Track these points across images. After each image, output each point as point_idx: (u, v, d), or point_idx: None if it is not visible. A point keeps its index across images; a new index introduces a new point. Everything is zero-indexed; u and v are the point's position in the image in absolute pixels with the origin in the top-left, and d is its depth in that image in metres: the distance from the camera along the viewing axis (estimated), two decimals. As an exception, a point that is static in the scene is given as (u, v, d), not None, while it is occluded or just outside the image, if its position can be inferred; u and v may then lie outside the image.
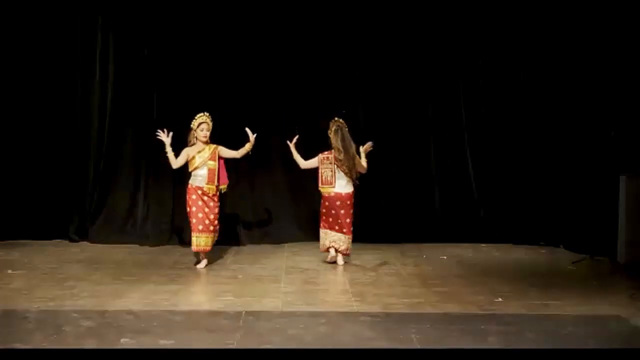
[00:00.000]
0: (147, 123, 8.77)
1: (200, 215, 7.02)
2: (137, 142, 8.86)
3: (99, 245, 8.44)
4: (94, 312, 5.35)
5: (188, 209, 7.10)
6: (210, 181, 7.06)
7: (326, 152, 7.33)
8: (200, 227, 7.02)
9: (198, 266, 7.16)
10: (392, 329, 5.01)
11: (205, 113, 7.12)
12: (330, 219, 7.30)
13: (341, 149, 7.17)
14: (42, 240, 8.55)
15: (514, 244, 8.73)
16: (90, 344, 4.61)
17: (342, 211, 7.26)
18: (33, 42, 8.67)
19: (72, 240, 8.64)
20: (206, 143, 7.12)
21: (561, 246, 8.52)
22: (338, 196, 7.25)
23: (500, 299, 5.94)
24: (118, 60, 8.80)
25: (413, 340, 4.74)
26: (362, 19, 8.94)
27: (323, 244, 7.41)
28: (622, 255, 7.57)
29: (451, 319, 5.29)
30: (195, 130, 7.07)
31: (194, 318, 5.29)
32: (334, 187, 7.23)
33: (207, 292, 6.28)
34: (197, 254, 7.23)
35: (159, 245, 8.40)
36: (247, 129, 7.24)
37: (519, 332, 4.96)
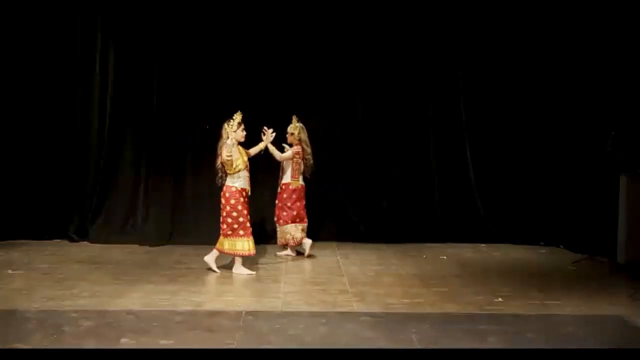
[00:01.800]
0: (147, 123, 8.79)
1: (246, 214, 6.83)
2: (137, 142, 8.87)
3: (99, 245, 8.43)
4: (93, 312, 5.35)
5: (235, 213, 6.75)
6: (250, 183, 6.97)
7: (295, 147, 7.68)
8: (242, 232, 6.80)
9: (241, 271, 6.86)
10: (392, 329, 5.01)
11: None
12: (285, 213, 7.76)
13: (308, 142, 7.74)
14: (42, 240, 8.55)
15: (514, 244, 8.73)
16: (90, 344, 4.61)
17: (304, 202, 7.78)
18: (33, 42, 8.68)
19: (72, 240, 8.64)
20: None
21: (561, 246, 8.52)
22: (303, 187, 7.80)
23: (500, 299, 5.94)
24: (118, 60, 8.81)
25: (413, 340, 4.74)
26: (362, 20, 8.95)
27: (287, 238, 7.79)
28: (622, 255, 7.56)
29: (451, 319, 5.29)
30: (236, 131, 6.79)
31: (194, 318, 5.28)
32: (299, 180, 7.75)
33: (207, 292, 6.27)
34: (233, 258, 6.94)
35: (159, 245, 8.39)
36: (265, 128, 7.23)
37: (519, 332, 4.96)
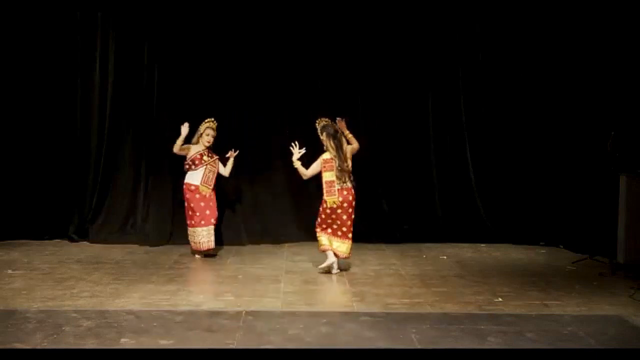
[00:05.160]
0: (147, 123, 8.79)
1: None
2: (137, 142, 8.87)
3: (99, 245, 8.43)
4: (94, 312, 5.35)
5: (348, 218, 6.85)
6: None
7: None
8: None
9: (335, 271, 6.93)
10: (392, 329, 5.02)
11: None
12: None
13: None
14: (42, 240, 8.56)
15: (514, 244, 8.72)
16: (90, 344, 4.62)
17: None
18: (33, 41, 8.68)
19: (72, 240, 8.64)
20: None
21: (561, 246, 8.52)
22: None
23: (500, 299, 5.95)
24: (118, 60, 8.81)
25: (413, 340, 4.74)
26: (362, 21, 8.94)
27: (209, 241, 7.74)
28: (622, 255, 7.56)
29: (451, 319, 5.29)
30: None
31: (194, 318, 5.29)
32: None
33: (207, 292, 6.28)
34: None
35: (159, 245, 8.39)
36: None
37: (519, 332, 4.96)
